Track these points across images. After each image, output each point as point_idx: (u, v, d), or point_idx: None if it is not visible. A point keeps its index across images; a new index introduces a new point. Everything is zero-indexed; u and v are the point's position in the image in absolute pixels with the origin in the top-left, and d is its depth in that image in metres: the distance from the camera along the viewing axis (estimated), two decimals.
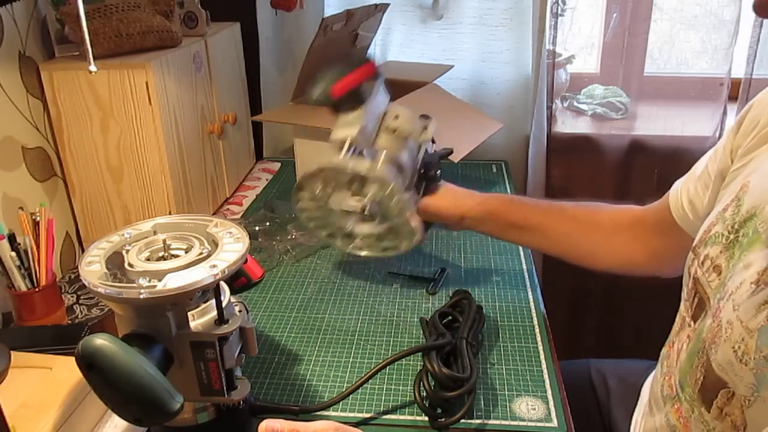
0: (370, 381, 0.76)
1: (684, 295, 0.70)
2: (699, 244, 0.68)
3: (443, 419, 0.72)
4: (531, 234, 0.91)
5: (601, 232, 0.89)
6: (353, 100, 0.79)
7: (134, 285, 0.56)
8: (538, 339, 0.88)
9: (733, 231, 0.62)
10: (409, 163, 0.86)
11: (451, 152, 1.02)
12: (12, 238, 0.87)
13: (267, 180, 1.43)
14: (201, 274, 0.57)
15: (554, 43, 1.42)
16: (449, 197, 0.93)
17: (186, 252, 0.62)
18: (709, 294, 0.63)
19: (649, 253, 0.85)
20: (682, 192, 0.78)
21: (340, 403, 0.76)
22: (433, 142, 0.96)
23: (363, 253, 0.87)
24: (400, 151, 0.83)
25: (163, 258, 0.63)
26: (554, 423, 0.73)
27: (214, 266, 0.58)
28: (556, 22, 1.40)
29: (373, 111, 0.81)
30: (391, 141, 0.83)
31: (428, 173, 0.91)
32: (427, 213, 0.92)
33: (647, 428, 0.74)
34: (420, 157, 0.90)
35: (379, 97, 0.82)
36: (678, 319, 0.71)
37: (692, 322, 0.66)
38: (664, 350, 0.74)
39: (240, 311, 0.65)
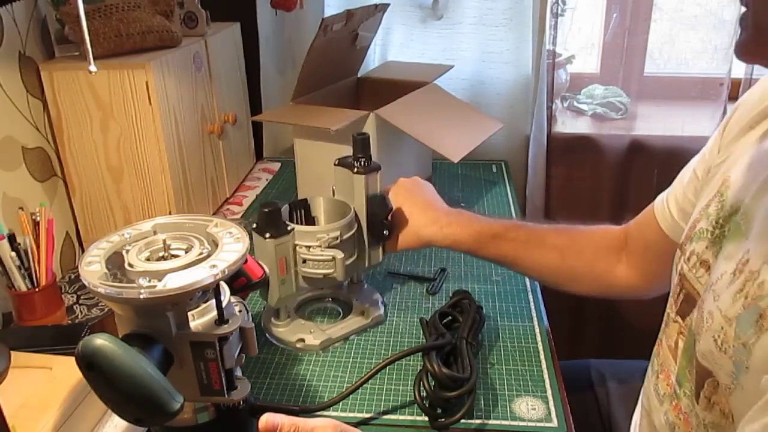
0: (370, 381, 0.76)
1: (671, 291, 0.71)
2: (685, 241, 0.69)
3: (443, 419, 0.72)
4: (509, 265, 0.89)
5: (583, 259, 0.87)
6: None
7: (134, 285, 0.56)
8: (538, 339, 0.88)
9: (718, 226, 0.63)
10: (349, 235, 0.84)
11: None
12: (12, 238, 0.87)
13: (267, 180, 1.43)
14: (201, 274, 0.56)
15: (554, 43, 1.42)
16: (411, 236, 0.87)
17: (186, 252, 0.62)
18: (698, 289, 0.64)
19: (634, 275, 0.85)
20: (670, 202, 0.78)
21: (340, 403, 0.76)
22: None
23: None
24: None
25: (163, 258, 0.63)
26: (554, 423, 0.73)
27: (214, 266, 0.58)
28: (556, 22, 1.40)
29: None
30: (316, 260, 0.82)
31: (376, 229, 0.88)
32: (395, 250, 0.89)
33: (644, 428, 0.75)
34: (363, 218, 0.87)
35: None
36: (665, 316, 0.72)
37: (678, 318, 0.67)
38: (654, 348, 0.74)
39: (240, 311, 0.65)
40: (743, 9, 0.51)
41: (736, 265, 0.56)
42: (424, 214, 0.87)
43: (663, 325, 0.72)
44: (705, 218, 0.65)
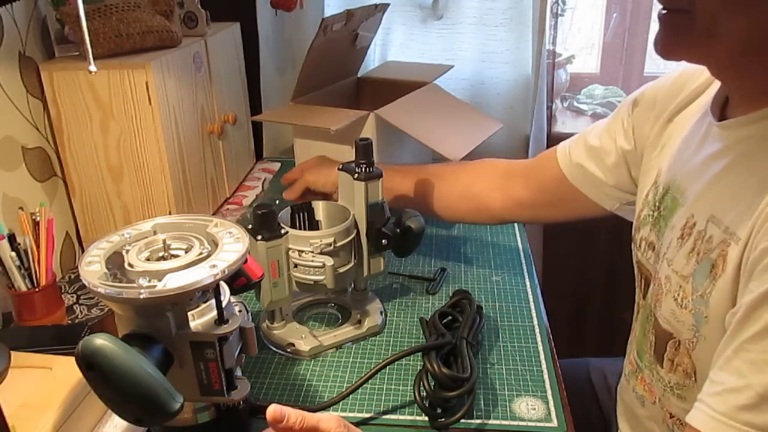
0: (370, 381, 0.76)
1: (635, 284, 0.79)
2: (635, 233, 0.77)
3: (443, 419, 0.72)
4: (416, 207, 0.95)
5: (459, 185, 0.99)
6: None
7: (134, 285, 0.56)
8: (538, 339, 0.88)
9: (656, 208, 0.72)
10: (347, 241, 0.84)
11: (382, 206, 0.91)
12: (12, 238, 0.87)
13: (267, 180, 1.43)
14: (201, 274, 0.56)
15: (554, 43, 1.42)
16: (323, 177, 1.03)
17: (186, 252, 0.62)
18: (649, 269, 0.72)
19: (510, 202, 0.96)
20: (572, 153, 0.88)
21: (340, 403, 0.76)
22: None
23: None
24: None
25: (163, 258, 0.63)
26: (554, 423, 0.73)
27: (214, 266, 0.58)
28: (556, 22, 1.40)
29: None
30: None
31: (374, 237, 0.87)
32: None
33: (620, 413, 0.81)
34: (363, 225, 0.87)
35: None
36: (635, 306, 0.79)
37: (641, 300, 0.75)
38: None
39: (240, 311, 0.65)
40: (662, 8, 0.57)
41: (682, 231, 0.64)
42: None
43: (635, 314, 0.79)
44: (647, 206, 0.74)
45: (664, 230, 0.68)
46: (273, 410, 0.56)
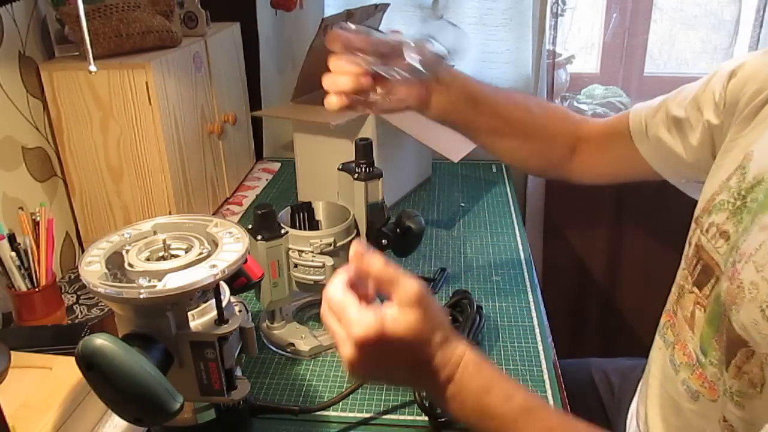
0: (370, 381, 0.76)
1: (683, 264, 0.72)
2: (702, 214, 0.69)
3: (443, 419, 0.72)
4: (485, 118, 0.85)
5: (545, 144, 0.90)
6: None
7: (134, 285, 0.56)
8: (538, 339, 0.88)
9: (740, 197, 0.63)
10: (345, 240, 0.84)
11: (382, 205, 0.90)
12: (12, 238, 0.87)
13: (267, 180, 1.43)
14: (201, 274, 0.56)
15: (554, 43, 1.42)
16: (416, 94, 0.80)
17: (186, 252, 0.62)
18: (717, 259, 0.65)
19: (583, 168, 0.90)
20: (649, 122, 0.81)
21: (340, 403, 0.76)
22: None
23: None
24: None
25: (163, 258, 0.63)
26: None
27: (214, 266, 0.58)
28: (556, 22, 1.40)
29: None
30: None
31: (374, 238, 0.87)
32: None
33: (652, 401, 0.76)
34: (363, 225, 0.86)
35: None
36: (675, 288, 0.74)
37: (695, 289, 0.68)
38: (663, 320, 0.75)
39: (240, 311, 0.65)
40: None
41: None
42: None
43: (675, 297, 0.73)
44: (726, 191, 0.65)
45: (750, 227, 0.60)
46: (355, 249, 0.54)
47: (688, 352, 0.68)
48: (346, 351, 0.52)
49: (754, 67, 0.68)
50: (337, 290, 0.54)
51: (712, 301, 0.65)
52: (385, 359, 0.54)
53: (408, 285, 0.53)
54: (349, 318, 0.52)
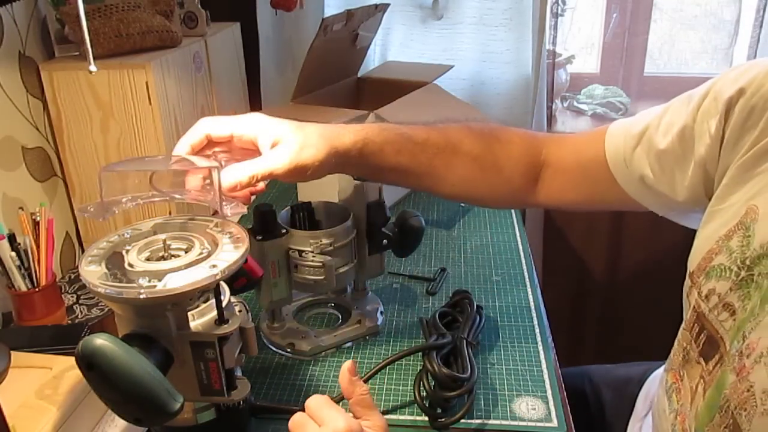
0: (370, 381, 0.76)
1: (684, 324, 0.65)
2: (698, 272, 0.61)
3: (443, 419, 0.72)
4: (420, 178, 0.75)
5: (503, 175, 0.77)
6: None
7: (134, 285, 0.56)
8: (538, 339, 0.88)
9: (744, 267, 0.55)
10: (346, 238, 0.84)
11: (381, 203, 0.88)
12: (12, 238, 0.87)
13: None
14: (201, 274, 0.56)
15: (554, 43, 1.42)
16: (310, 148, 0.65)
17: (186, 252, 0.62)
18: (722, 334, 0.57)
19: (552, 196, 0.79)
20: (632, 158, 0.69)
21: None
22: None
23: None
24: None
25: (163, 258, 0.63)
26: (554, 423, 0.73)
27: (214, 266, 0.58)
28: (556, 22, 1.40)
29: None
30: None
31: (374, 238, 0.86)
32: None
33: None
34: (363, 225, 0.86)
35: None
36: (677, 347, 0.67)
37: (702, 361, 0.60)
38: (668, 378, 0.69)
39: (240, 311, 0.65)
40: None
41: None
42: (310, 132, 0.67)
43: (681, 360, 0.65)
44: (726, 252, 0.57)
45: (760, 314, 0.52)
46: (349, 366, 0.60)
47: (685, 427, 0.63)
48: None
49: (764, 93, 0.56)
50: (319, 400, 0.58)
51: (714, 385, 0.57)
52: None
53: (380, 419, 0.59)
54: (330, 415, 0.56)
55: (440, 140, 0.74)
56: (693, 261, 0.62)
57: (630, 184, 0.70)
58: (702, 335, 0.60)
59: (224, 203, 0.64)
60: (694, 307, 0.62)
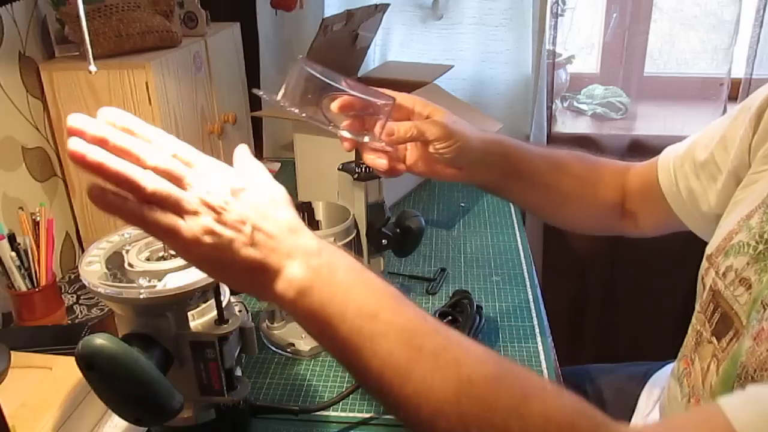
0: None
1: (698, 306, 0.66)
2: (716, 253, 0.63)
3: None
4: (534, 191, 0.79)
5: (599, 193, 0.81)
6: None
7: (134, 285, 0.56)
8: (538, 339, 0.88)
9: (763, 241, 0.57)
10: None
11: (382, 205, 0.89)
12: (12, 238, 0.86)
13: None
14: (201, 274, 0.56)
15: (554, 43, 1.42)
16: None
17: None
18: (737, 310, 0.58)
19: (627, 217, 0.82)
20: (678, 173, 0.73)
21: (340, 403, 0.76)
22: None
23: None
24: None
25: (163, 258, 0.63)
26: None
27: None
28: (556, 22, 1.40)
29: None
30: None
31: (374, 238, 0.87)
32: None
33: None
34: (363, 225, 0.86)
35: None
36: (691, 332, 0.67)
37: (714, 339, 0.61)
38: (680, 366, 0.69)
39: (240, 311, 0.65)
40: None
41: None
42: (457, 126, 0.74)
43: (692, 343, 0.66)
44: (746, 230, 0.59)
45: None
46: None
47: (697, 397, 0.63)
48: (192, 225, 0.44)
49: None
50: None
51: (728, 358, 0.58)
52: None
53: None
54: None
55: (551, 159, 0.79)
56: (712, 245, 0.64)
57: (680, 206, 0.73)
58: (716, 314, 0.62)
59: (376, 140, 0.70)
60: (710, 286, 0.63)
